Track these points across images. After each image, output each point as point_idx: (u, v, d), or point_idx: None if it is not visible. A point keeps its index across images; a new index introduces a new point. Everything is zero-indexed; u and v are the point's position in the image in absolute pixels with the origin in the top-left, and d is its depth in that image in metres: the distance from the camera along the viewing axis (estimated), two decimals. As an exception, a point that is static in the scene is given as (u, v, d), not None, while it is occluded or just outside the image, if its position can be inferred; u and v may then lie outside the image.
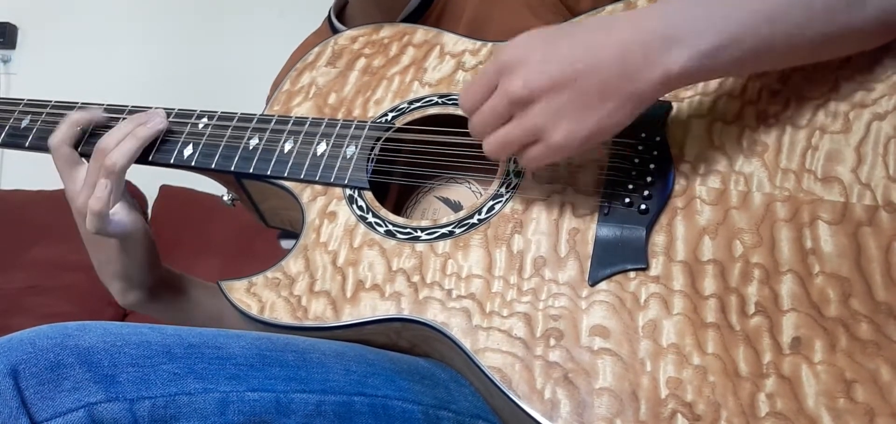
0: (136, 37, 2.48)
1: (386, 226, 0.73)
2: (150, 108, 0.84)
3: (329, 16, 1.00)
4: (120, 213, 0.81)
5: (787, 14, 0.61)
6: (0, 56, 2.53)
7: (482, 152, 0.67)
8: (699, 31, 0.60)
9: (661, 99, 0.71)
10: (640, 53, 0.60)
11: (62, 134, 0.82)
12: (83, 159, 0.83)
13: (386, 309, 0.68)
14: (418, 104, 0.80)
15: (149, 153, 0.82)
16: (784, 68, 0.68)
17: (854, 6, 0.61)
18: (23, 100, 0.90)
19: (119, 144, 0.79)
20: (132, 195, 0.84)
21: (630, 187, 0.68)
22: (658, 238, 0.66)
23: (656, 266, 0.64)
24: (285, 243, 0.96)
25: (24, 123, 0.88)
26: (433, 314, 0.67)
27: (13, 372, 0.55)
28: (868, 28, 0.63)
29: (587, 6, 0.81)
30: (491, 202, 0.72)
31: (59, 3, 2.53)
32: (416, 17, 0.92)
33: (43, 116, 0.88)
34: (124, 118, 0.83)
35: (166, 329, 0.64)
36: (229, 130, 0.82)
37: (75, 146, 0.83)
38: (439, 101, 0.79)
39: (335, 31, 0.96)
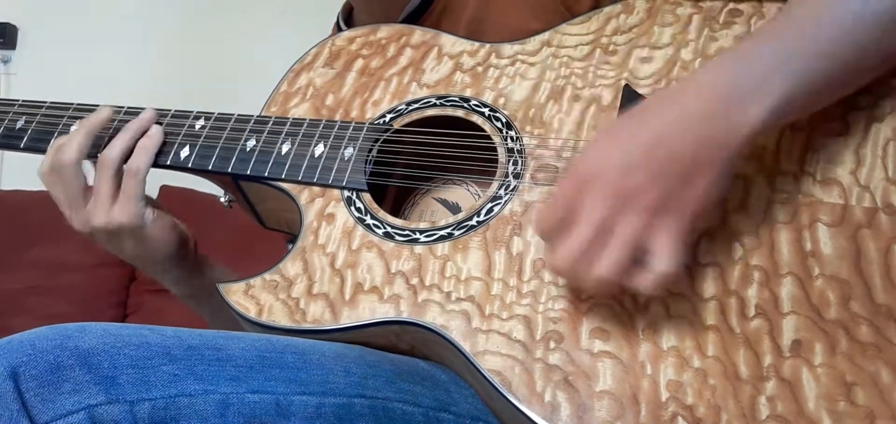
0: (136, 37, 2.48)
1: (384, 228, 0.73)
2: (144, 109, 0.84)
3: (338, 21, 1.00)
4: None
5: (841, 50, 0.60)
6: (0, 56, 2.52)
7: (480, 154, 0.67)
8: (766, 84, 0.59)
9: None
10: (720, 121, 0.58)
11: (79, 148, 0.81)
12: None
13: (385, 312, 0.68)
14: (416, 106, 0.80)
15: None
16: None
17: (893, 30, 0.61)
18: (18, 100, 0.90)
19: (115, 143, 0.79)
20: None
21: (629, 188, 0.68)
22: (657, 240, 0.65)
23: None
24: None
25: (19, 124, 0.88)
26: (432, 317, 0.67)
27: (13, 374, 0.55)
28: None
29: (587, 6, 0.81)
30: (490, 204, 0.71)
31: (59, 3, 2.52)
32: (416, 17, 0.92)
33: (38, 116, 0.88)
34: (122, 119, 0.83)
35: (166, 331, 0.64)
36: (226, 131, 0.82)
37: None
38: (437, 102, 0.79)
39: None
